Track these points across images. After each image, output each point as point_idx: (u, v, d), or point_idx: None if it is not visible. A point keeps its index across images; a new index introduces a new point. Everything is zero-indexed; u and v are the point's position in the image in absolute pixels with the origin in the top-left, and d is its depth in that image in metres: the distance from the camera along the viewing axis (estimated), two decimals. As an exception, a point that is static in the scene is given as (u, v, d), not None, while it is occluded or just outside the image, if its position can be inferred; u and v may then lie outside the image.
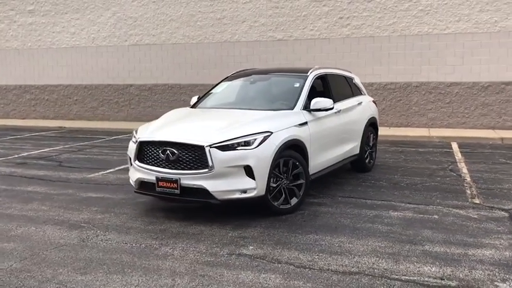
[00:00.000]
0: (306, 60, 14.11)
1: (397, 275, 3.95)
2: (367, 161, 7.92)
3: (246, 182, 5.16)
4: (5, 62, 17.99)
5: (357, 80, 8.28)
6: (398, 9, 13.33)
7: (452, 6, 12.87)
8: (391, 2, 13.36)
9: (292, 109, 6.09)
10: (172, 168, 5.29)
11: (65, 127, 15.53)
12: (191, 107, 6.97)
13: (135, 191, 5.78)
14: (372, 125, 8.05)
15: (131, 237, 4.95)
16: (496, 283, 3.78)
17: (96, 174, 8.14)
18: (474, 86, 12.89)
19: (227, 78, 7.38)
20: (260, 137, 5.27)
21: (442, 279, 3.88)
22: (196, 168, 5.18)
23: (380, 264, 4.17)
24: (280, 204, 5.55)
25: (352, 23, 13.76)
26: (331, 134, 6.62)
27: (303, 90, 6.35)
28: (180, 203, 6.00)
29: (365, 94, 8.38)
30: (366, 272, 4.02)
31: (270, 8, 14.48)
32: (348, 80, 7.91)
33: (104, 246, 4.70)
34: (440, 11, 12.97)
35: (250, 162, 5.14)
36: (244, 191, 5.18)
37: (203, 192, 5.17)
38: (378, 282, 3.83)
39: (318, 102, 6.15)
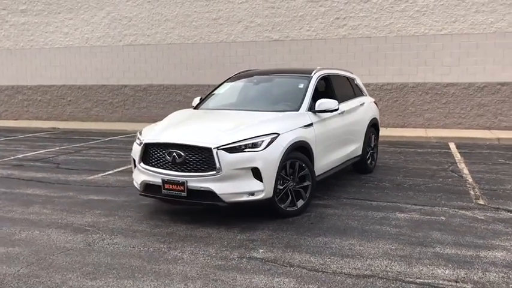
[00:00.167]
0: (303, 61, 14.10)
1: (411, 278, 3.93)
2: (368, 162, 7.91)
3: (254, 184, 5.11)
4: (-4, 62, 17.79)
5: (358, 81, 8.27)
6: (394, 10, 13.36)
7: (449, 7, 12.92)
8: (388, 2, 13.39)
9: (298, 110, 6.06)
10: (178, 171, 5.22)
11: (58, 128, 15.36)
12: (194, 108, 6.90)
13: (140, 194, 5.70)
14: (373, 126, 8.04)
15: (138, 241, 4.87)
16: (511, 286, 3.77)
17: (96, 176, 8.05)
18: (470, 86, 12.95)
19: (229, 79, 7.33)
20: (267, 139, 5.22)
21: (456, 281, 3.86)
22: (203, 171, 5.12)
23: (393, 267, 4.14)
24: (287, 206, 5.51)
25: (348, 24, 13.76)
26: (336, 135, 6.60)
27: (308, 91, 6.32)
28: (185, 206, 5.94)
29: (366, 95, 8.37)
30: (380, 275, 3.99)
31: (266, 8, 14.44)
32: (350, 81, 7.89)
33: (111, 251, 4.62)
34: (437, 11, 13.02)
35: (258, 164, 5.09)
36: (252, 194, 5.13)
37: (210, 194, 5.11)
38: (393, 285, 3.81)
39: (323, 103, 6.12)
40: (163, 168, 5.33)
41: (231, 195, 5.10)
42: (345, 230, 5.13)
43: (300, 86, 6.44)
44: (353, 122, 7.21)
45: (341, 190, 6.85)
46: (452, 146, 10.85)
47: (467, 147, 10.61)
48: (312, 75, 6.62)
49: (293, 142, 5.46)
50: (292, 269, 4.15)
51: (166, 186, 5.25)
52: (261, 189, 5.12)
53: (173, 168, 5.26)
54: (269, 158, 5.16)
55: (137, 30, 15.83)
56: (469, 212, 5.73)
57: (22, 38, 17.27)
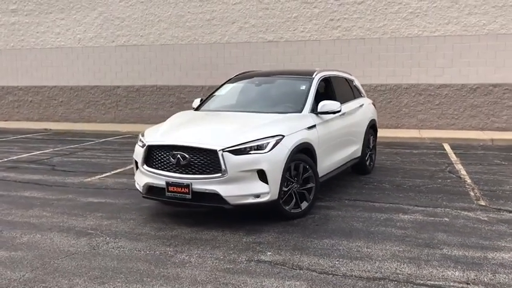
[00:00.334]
0: (297, 62, 14.11)
1: (422, 280, 3.93)
2: (367, 163, 7.93)
3: (259, 187, 5.09)
4: (-14, 63, 17.54)
5: (357, 82, 8.28)
6: (388, 12, 13.42)
7: (442, 9, 13.02)
8: (382, 4, 13.44)
9: (300, 112, 6.04)
10: (183, 173, 5.17)
11: (51, 129, 15.19)
12: (195, 110, 6.85)
13: (143, 196, 5.64)
14: (372, 127, 8.07)
15: (143, 244, 4.82)
16: (521, 287, 3.80)
17: (93, 178, 7.96)
18: (463, 87, 13.06)
19: (230, 81, 7.29)
20: (273, 141, 5.20)
21: (467, 283, 3.87)
22: (208, 173, 5.08)
23: (403, 269, 4.14)
24: (291, 208, 5.49)
25: (342, 25, 13.80)
26: (337, 136, 6.60)
27: (310, 92, 6.31)
28: (188, 208, 5.89)
29: (364, 96, 8.39)
30: (391, 278, 3.98)
31: (260, 9, 14.42)
32: (349, 82, 7.91)
33: (117, 254, 4.56)
34: (430, 13, 13.10)
35: (264, 166, 5.07)
36: (258, 196, 5.10)
37: (216, 197, 5.07)
38: None
39: (325, 105, 6.11)
40: (167, 171, 5.27)
41: (237, 197, 5.06)
42: (351, 231, 5.12)
43: (302, 88, 6.43)
44: (353, 123, 7.22)
45: (342, 191, 6.85)
46: (447, 146, 10.93)
47: (461, 148, 10.69)
48: (313, 76, 6.62)
49: (297, 144, 5.45)
50: (301, 271, 4.13)
51: (171, 188, 5.20)
52: (266, 192, 5.10)
53: (177, 170, 5.21)
54: (274, 160, 5.14)
55: (130, 31, 15.72)
56: (471, 213, 5.76)
57: (12, 38, 17.06)
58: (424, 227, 5.23)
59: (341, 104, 6.79)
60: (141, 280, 4.00)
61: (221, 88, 7.20)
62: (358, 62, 13.69)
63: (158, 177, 5.33)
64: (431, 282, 3.89)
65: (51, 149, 11.21)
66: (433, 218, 5.55)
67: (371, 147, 8.09)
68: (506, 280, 3.91)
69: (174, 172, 5.22)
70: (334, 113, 6.24)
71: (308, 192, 5.64)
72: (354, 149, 7.28)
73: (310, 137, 5.76)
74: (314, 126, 5.93)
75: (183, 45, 15.26)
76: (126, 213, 5.92)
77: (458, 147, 10.86)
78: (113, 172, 8.43)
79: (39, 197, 6.75)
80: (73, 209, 6.12)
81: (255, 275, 4.07)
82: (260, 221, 5.45)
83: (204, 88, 15.13)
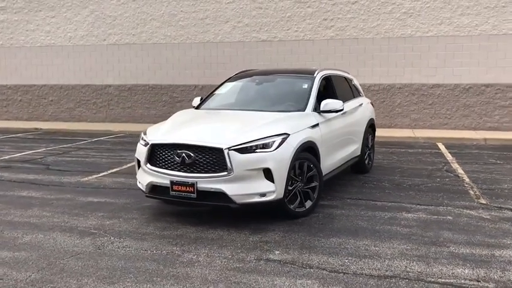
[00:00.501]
0: (290, 62, 14.11)
1: (432, 278, 3.93)
2: (366, 162, 7.94)
3: (265, 185, 5.06)
4: (-26, 61, 17.27)
5: (355, 81, 8.30)
6: (382, 12, 13.48)
7: (435, 10, 13.11)
8: (375, 4, 13.50)
9: (303, 111, 6.03)
10: (188, 172, 5.12)
11: (41, 128, 14.99)
12: (195, 108, 6.80)
13: (146, 195, 5.58)
14: (371, 127, 8.09)
15: (149, 244, 4.76)
16: (532, 284, 3.82)
17: (90, 177, 7.86)
18: (456, 87, 13.17)
19: (230, 79, 7.25)
20: (278, 139, 5.17)
21: (478, 281, 3.88)
22: (214, 172, 5.04)
23: (413, 267, 4.14)
24: (295, 207, 5.47)
25: (336, 25, 13.83)
26: (339, 135, 6.60)
27: (312, 91, 6.30)
28: (191, 207, 5.85)
29: (363, 95, 8.41)
30: (401, 276, 3.98)
31: (254, 8, 14.39)
32: (348, 81, 7.92)
33: (123, 254, 4.50)
34: (423, 14, 13.19)
35: (270, 165, 5.04)
36: (264, 195, 5.07)
37: (221, 196, 5.03)
38: (416, 286, 3.80)
39: (328, 103, 6.11)
40: (172, 169, 5.22)
41: (243, 196, 5.03)
42: (356, 230, 5.12)
43: (304, 86, 6.41)
44: (354, 122, 7.23)
45: (342, 190, 6.85)
46: (441, 146, 11.01)
47: (456, 148, 10.78)
48: (315, 75, 6.61)
49: (302, 142, 5.43)
50: (312, 270, 4.11)
51: (175, 187, 5.15)
52: (272, 190, 5.07)
53: (182, 169, 5.15)
54: (280, 159, 5.12)
55: (122, 30, 15.59)
56: (473, 211, 5.79)
57: (1, 36, 16.81)
58: (429, 226, 5.25)
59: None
60: (151, 280, 3.94)
61: (221, 87, 7.16)
62: (352, 62, 13.73)
63: (162, 176, 5.27)
64: (443, 280, 3.89)
65: (44, 149, 11.06)
66: (436, 217, 5.57)
67: (370, 146, 8.11)
68: (516, 277, 3.93)
69: (179, 171, 5.17)
70: (336, 111, 6.24)
71: (312, 191, 5.63)
72: (354, 148, 7.29)
73: (313, 135, 5.75)
74: (317, 125, 5.92)
75: (175, 44, 15.17)
76: (128, 212, 5.85)
77: (453, 146, 10.95)
78: (109, 171, 8.34)
79: (37, 197, 6.65)
80: (73, 209, 6.03)
81: (265, 274, 4.04)
82: (264, 219, 5.42)
83: (197, 87, 15.07)
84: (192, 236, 4.99)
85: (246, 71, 7.62)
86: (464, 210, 5.82)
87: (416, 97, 13.46)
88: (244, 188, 5.02)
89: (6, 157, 9.93)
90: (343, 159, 6.82)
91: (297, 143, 5.32)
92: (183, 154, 5.12)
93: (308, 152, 5.65)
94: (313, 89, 6.32)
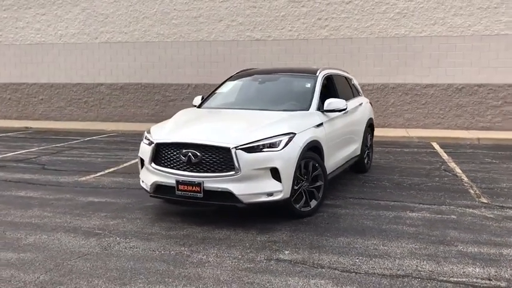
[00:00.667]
0: (284, 61, 14.10)
1: (444, 277, 3.94)
2: (365, 161, 7.96)
3: (272, 185, 5.03)
4: (-38, 59, 16.97)
5: (355, 81, 8.32)
6: (375, 12, 13.53)
7: (428, 10, 13.20)
8: (369, 4, 13.55)
9: (308, 110, 6.01)
10: (194, 171, 5.08)
11: (31, 127, 14.79)
12: (197, 107, 6.74)
13: (150, 195, 5.51)
14: (370, 126, 8.12)
15: (156, 244, 4.71)
16: (543, 282, 3.85)
17: (88, 177, 7.76)
18: (449, 87, 13.27)
19: (231, 78, 7.21)
20: (285, 139, 5.15)
21: (489, 279, 3.90)
22: (221, 171, 4.99)
23: (424, 266, 4.15)
24: (301, 206, 5.46)
25: (330, 25, 13.85)
26: (341, 135, 6.60)
27: (315, 90, 6.29)
28: (195, 207, 5.80)
29: (362, 95, 8.43)
30: (413, 275, 3.99)
31: (248, 7, 14.35)
32: (348, 81, 7.93)
33: (131, 255, 4.44)
34: (417, 14, 13.27)
35: (277, 164, 5.01)
36: (271, 194, 5.05)
37: (228, 195, 4.99)
38: (429, 285, 3.81)
39: (331, 103, 6.10)
40: (177, 169, 5.16)
41: (250, 195, 4.99)
42: (363, 229, 5.12)
43: (307, 86, 6.40)
44: (354, 121, 7.24)
45: (344, 190, 6.85)
46: (436, 145, 11.08)
47: (451, 147, 10.86)
48: (317, 74, 6.60)
49: (308, 142, 5.42)
50: (324, 270, 4.10)
51: (181, 187, 5.09)
52: (279, 190, 5.05)
53: (188, 168, 5.10)
54: (287, 158, 5.09)
55: (114, 28, 15.44)
56: (476, 210, 5.83)
57: (-10, 33, 16.55)
58: (434, 225, 5.27)
59: (343, 102, 6.82)
60: (162, 281, 3.90)
61: (222, 86, 7.11)
62: (346, 61, 13.75)
63: (167, 176, 5.21)
64: (455, 279, 3.91)
65: (36, 148, 10.91)
66: (440, 216, 5.60)
67: (369, 145, 8.13)
68: (527, 276, 3.96)
69: (185, 170, 5.12)
70: (340, 111, 6.24)
71: (317, 190, 5.62)
72: (355, 147, 7.30)
73: (318, 135, 5.74)
74: (321, 124, 5.91)
75: (168, 42, 15.07)
76: (131, 212, 5.79)
77: (447, 146, 11.03)
78: (106, 171, 8.24)
79: (35, 197, 6.54)
80: (74, 209, 5.94)
81: (277, 274, 4.02)
82: (270, 219, 5.40)
83: (190, 86, 14.98)
84: (199, 236, 4.95)
85: (247, 70, 7.58)
86: (467, 210, 5.85)
87: (409, 97, 13.54)
88: (251, 187, 4.99)
89: (-1, 156, 9.78)
90: (345, 158, 6.82)
91: (303, 142, 5.31)
92: (189, 153, 5.07)
93: (313, 151, 5.64)
94: (316, 88, 6.31)
